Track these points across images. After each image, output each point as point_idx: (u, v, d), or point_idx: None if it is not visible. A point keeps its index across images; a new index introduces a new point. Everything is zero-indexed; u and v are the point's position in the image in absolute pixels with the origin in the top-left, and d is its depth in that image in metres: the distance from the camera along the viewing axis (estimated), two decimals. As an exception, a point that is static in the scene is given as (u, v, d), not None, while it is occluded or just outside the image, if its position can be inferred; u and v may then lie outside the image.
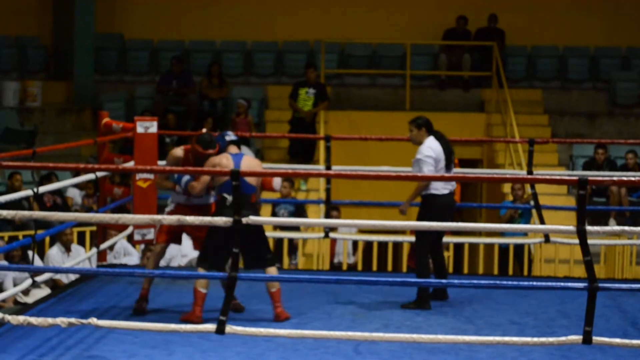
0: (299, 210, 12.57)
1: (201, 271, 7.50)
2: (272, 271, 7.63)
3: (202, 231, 7.65)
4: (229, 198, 7.36)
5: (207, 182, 7.62)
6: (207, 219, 6.64)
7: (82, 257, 9.39)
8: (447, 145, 8.19)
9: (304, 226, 11.48)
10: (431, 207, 8.10)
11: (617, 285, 8.48)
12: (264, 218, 7.19)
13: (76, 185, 12.94)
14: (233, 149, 7.74)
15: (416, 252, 8.24)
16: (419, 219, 8.09)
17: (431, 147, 8.07)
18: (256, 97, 16.43)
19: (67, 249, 10.69)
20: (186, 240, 11.54)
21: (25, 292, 9.39)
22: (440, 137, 8.19)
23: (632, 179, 7.98)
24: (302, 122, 14.82)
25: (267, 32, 17.41)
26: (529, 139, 9.95)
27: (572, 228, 6.21)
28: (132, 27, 17.48)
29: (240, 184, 6.44)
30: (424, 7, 17.41)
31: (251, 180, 7.53)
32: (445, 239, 10.74)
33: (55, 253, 10.61)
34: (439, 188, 8.09)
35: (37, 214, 7.02)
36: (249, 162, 7.68)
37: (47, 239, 10.83)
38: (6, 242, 10.29)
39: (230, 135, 7.81)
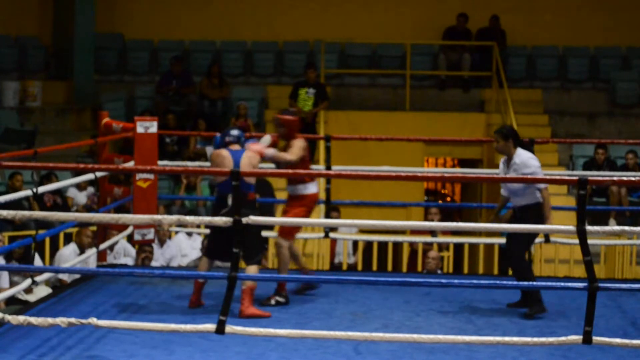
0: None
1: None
2: (252, 270, 7.60)
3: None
4: (229, 198, 7.42)
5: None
6: (207, 219, 6.64)
7: (81, 257, 9.37)
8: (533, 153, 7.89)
9: (304, 226, 11.46)
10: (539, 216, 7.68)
11: (617, 285, 8.47)
12: (264, 218, 7.18)
13: (77, 185, 12.93)
14: (234, 145, 7.78)
15: (512, 255, 7.81)
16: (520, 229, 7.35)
17: (533, 157, 7.72)
18: (256, 97, 16.42)
19: (83, 251, 10.27)
20: (186, 240, 11.57)
21: (28, 290, 9.38)
22: (526, 145, 7.89)
23: (632, 179, 7.97)
24: (302, 122, 14.79)
25: (267, 32, 17.42)
26: (529, 139, 9.94)
27: (572, 228, 6.21)
28: (132, 27, 17.49)
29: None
30: (424, 7, 17.42)
31: (250, 179, 7.57)
32: (445, 239, 10.78)
33: (69, 253, 10.37)
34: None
35: (37, 214, 7.01)
36: (249, 159, 7.71)
37: (47, 239, 10.81)
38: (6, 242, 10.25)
39: (231, 136, 7.84)
